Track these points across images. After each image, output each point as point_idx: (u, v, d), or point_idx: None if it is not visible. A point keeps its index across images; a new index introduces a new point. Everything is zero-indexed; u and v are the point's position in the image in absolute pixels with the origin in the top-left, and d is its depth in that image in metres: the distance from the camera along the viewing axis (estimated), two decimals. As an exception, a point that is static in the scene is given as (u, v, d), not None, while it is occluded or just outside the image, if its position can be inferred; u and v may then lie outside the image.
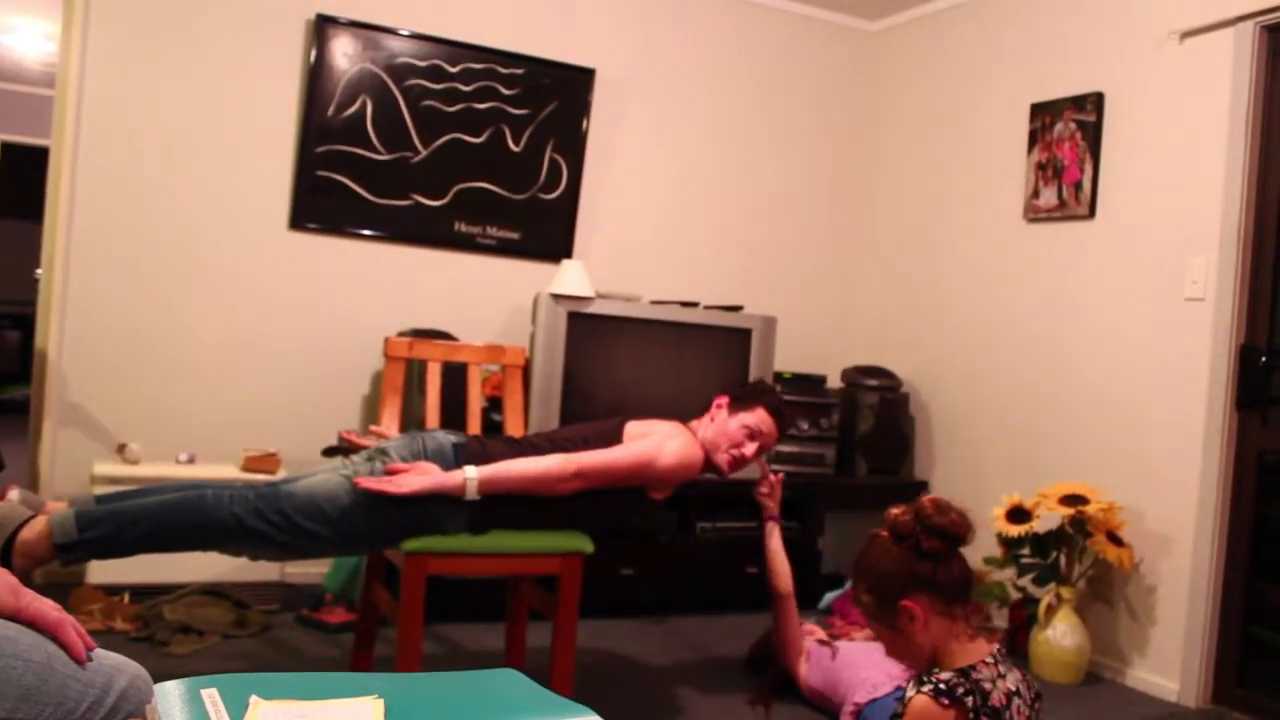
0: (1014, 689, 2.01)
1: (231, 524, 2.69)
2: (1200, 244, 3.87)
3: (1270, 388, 3.73)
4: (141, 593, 3.75)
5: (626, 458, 2.98)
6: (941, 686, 1.97)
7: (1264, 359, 3.71)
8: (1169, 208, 3.99)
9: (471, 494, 2.80)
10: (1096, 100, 4.27)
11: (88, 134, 4.09)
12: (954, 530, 2.13)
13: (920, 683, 2.00)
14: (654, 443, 3.04)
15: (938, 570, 2.10)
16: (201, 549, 2.80)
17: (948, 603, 2.09)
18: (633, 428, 3.11)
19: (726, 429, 3.17)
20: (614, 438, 3.07)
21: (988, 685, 1.98)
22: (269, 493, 2.74)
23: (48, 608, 1.22)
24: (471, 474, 2.81)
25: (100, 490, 3.68)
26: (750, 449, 3.16)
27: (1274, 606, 3.74)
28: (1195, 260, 3.87)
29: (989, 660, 2.04)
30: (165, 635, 3.53)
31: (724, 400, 3.23)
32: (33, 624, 1.21)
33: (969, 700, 1.94)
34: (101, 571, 3.70)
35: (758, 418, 3.18)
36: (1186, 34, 3.95)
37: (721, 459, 3.16)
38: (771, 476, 3.52)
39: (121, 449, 4.02)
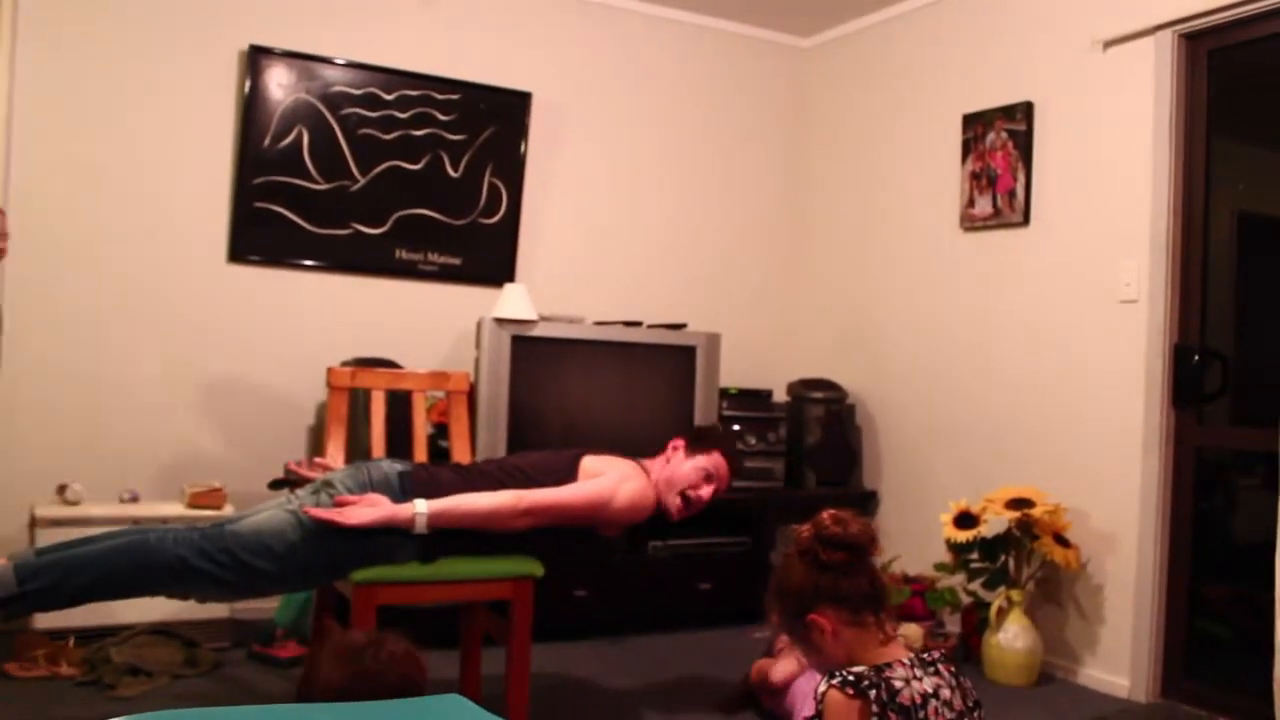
0: (930, 691, 2.03)
1: (177, 566, 2.66)
2: (1131, 247, 3.95)
3: (1204, 386, 3.81)
4: (87, 636, 3.68)
5: (580, 497, 2.95)
6: (849, 678, 2.00)
7: (1197, 358, 3.79)
8: (1100, 212, 4.07)
9: (420, 528, 2.79)
10: (1026, 110, 4.35)
11: (18, 168, 4.03)
12: (852, 540, 2.15)
13: (830, 677, 2.03)
14: (609, 482, 3.00)
15: (841, 582, 2.12)
16: (148, 594, 2.76)
17: (855, 612, 2.12)
18: (588, 464, 3.07)
19: (681, 471, 3.13)
20: (568, 473, 3.03)
21: (898, 684, 2.01)
22: (214, 533, 2.71)
23: None
24: (421, 509, 2.79)
25: (42, 533, 3.64)
26: (706, 491, 3.14)
27: (1217, 599, 3.81)
28: (1127, 263, 3.95)
29: (905, 662, 2.07)
30: (113, 678, 3.46)
31: (680, 443, 3.20)
32: None
33: (873, 693, 1.98)
34: (45, 616, 3.63)
35: (713, 461, 3.15)
36: (1109, 43, 4.03)
37: (673, 502, 3.12)
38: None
39: (62, 490, 3.95)
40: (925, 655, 2.14)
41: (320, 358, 4.42)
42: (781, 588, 2.22)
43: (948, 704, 2.05)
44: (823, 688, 2.04)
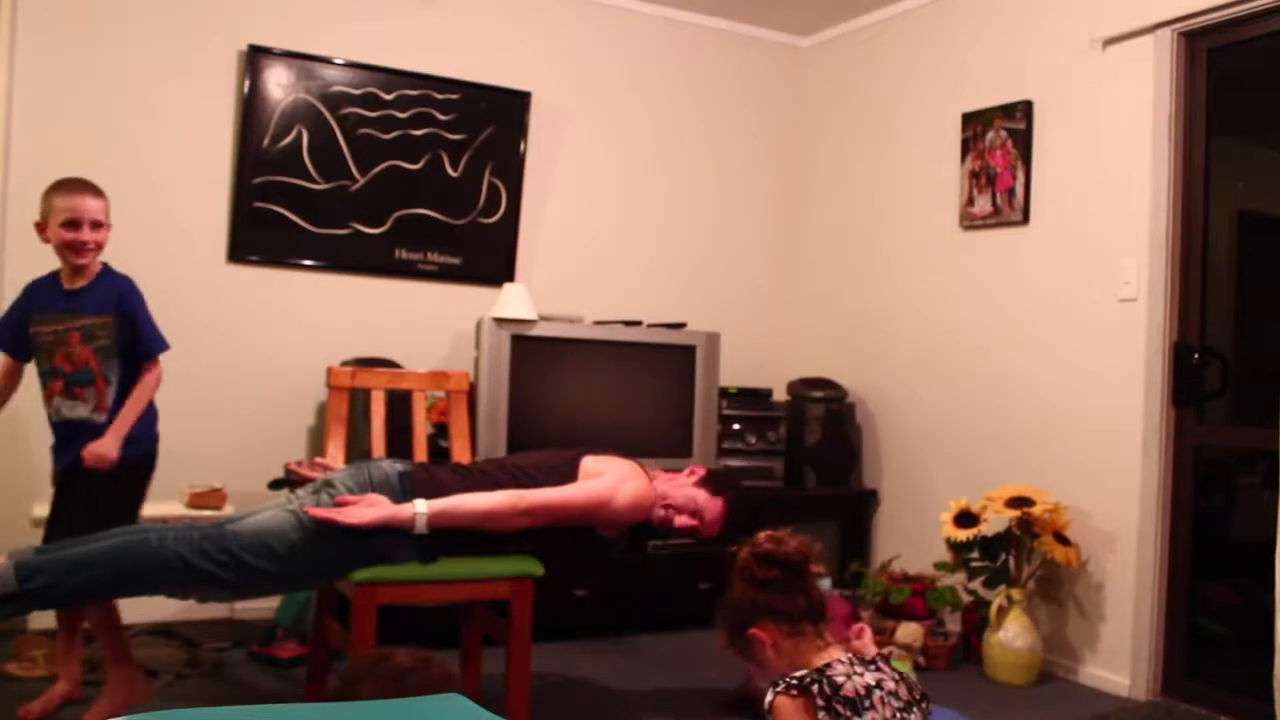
0: (874, 684, 2.10)
1: (177, 565, 2.66)
2: (1131, 245, 3.94)
3: (1204, 384, 3.81)
4: (87, 637, 3.68)
5: (580, 497, 2.96)
6: (792, 682, 2.09)
7: (1196, 356, 3.79)
8: (1100, 211, 4.07)
9: (420, 529, 2.79)
10: (1025, 108, 4.35)
11: (18, 168, 4.03)
12: (784, 558, 2.24)
13: (774, 685, 2.11)
14: (609, 482, 3.00)
15: (777, 598, 2.22)
16: (147, 593, 2.75)
17: (794, 624, 2.20)
18: (588, 464, 3.07)
19: (683, 491, 3.15)
20: (569, 472, 3.03)
21: (839, 679, 2.08)
22: (214, 533, 2.71)
23: None
24: (421, 509, 2.79)
25: (43, 532, 3.63)
26: (680, 522, 3.14)
27: (1217, 598, 3.80)
28: (1127, 261, 3.95)
29: (844, 660, 2.14)
30: (113, 678, 3.47)
31: (700, 472, 3.23)
32: None
33: (815, 688, 2.05)
34: (44, 617, 3.63)
35: (712, 505, 3.16)
36: (1109, 41, 4.03)
37: (657, 513, 3.13)
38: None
39: (62, 491, 3.94)
40: (864, 656, 2.21)
41: (320, 357, 4.42)
42: (725, 606, 2.31)
43: (893, 694, 2.12)
44: (770, 698, 2.12)
